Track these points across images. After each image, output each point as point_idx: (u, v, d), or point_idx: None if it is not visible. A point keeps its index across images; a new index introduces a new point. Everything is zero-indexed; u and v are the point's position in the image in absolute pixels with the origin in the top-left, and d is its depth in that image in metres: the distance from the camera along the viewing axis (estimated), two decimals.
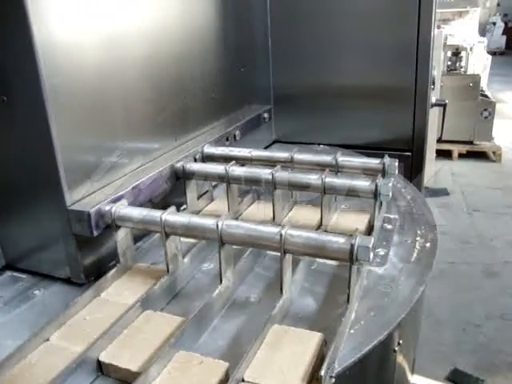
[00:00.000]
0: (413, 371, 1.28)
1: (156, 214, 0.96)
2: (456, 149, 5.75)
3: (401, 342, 0.96)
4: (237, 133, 1.56)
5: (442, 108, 2.22)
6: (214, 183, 1.41)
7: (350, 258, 0.80)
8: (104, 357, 0.80)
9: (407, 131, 1.84)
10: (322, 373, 0.69)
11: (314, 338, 0.79)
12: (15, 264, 1.15)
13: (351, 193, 1.10)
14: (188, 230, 0.94)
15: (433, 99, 1.89)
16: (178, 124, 1.38)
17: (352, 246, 0.80)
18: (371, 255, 0.80)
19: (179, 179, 1.26)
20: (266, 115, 1.81)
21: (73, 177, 1.00)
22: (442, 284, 3.52)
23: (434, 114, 2.35)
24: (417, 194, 1.41)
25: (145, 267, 1.06)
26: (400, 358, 1.01)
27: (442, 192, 5.02)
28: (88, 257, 1.06)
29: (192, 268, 1.06)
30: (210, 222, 0.91)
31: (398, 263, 1.07)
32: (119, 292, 0.98)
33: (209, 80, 1.51)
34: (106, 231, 1.03)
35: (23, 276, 1.13)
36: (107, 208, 1.00)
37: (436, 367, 2.92)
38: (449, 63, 5.71)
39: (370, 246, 0.79)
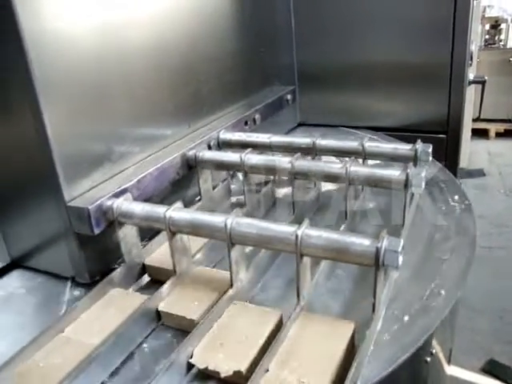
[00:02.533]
0: (449, 361, 1.17)
1: (160, 211, 0.87)
2: (493, 127, 5.50)
3: (433, 351, 0.86)
4: (256, 116, 1.45)
5: (479, 86, 2.07)
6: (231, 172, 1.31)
7: (376, 262, 0.70)
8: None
9: (442, 112, 1.69)
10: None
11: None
12: (21, 262, 1.09)
13: (379, 184, 0.98)
14: (194, 229, 0.84)
15: (470, 76, 1.74)
16: (192, 109, 1.28)
17: (378, 249, 0.69)
18: (400, 260, 0.69)
19: (192, 168, 1.17)
20: (289, 97, 1.70)
21: (72, 170, 0.92)
22: (478, 270, 3.36)
23: (470, 92, 2.19)
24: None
25: (154, 267, 0.97)
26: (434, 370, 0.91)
27: (478, 173, 4.81)
28: (92, 255, 0.98)
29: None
30: (218, 220, 0.82)
31: None
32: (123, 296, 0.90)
33: (225, 62, 1.40)
34: (111, 227, 0.95)
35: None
36: (109, 203, 0.92)
37: (471, 357, 2.80)
38: (487, 37, 5.43)
39: (399, 249, 0.69)
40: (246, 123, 1.40)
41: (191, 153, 1.15)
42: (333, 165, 1.02)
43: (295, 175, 1.04)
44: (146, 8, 1.08)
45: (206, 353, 0.72)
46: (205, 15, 1.30)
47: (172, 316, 0.82)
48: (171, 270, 0.89)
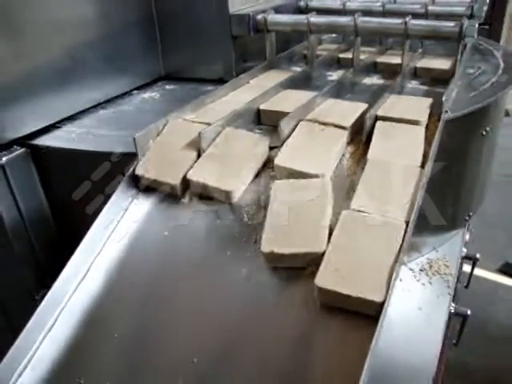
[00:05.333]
0: None
1: (302, 17, 1.26)
2: None
3: (487, 129, 1.23)
4: None
5: None
6: None
7: (459, 35, 1.08)
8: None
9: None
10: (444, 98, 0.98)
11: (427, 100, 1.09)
12: (173, 74, 1.48)
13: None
14: (329, 27, 1.23)
15: None
16: None
17: (462, 24, 1.08)
18: (475, 34, 1.08)
19: (301, 12, 1.55)
20: None
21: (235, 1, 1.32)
22: (497, 194, 3.77)
23: None
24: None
25: (286, 66, 1.38)
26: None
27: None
28: (240, 58, 1.38)
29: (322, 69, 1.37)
30: (347, 19, 1.20)
31: None
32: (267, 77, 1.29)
33: None
34: (255, 38, 1.34)
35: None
36: (260, 16, 1.30)
37: (488, 261, 3.23)
38: None
39: (476, 25, 1.07)
40: None
41: (302, 2, 1.53)
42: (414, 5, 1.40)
43: (384, 14, 1.42)
44: None
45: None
46: None
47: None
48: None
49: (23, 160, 1.07)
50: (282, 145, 0.92)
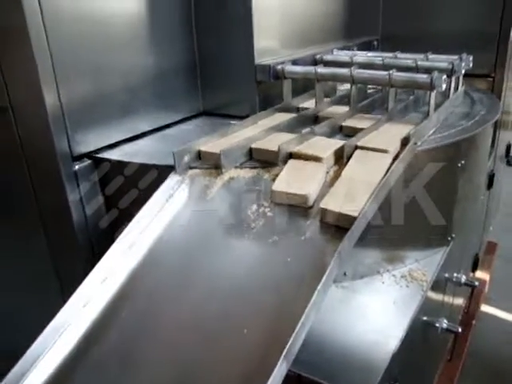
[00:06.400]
0: None
1: (311, 68, 1.58)
2: None
3: (463, 162, 1.50)
4: (355, 48, 2.15)
5: None
6: None
7: (430, 86, 1.38)
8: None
9: (490, 57, 2.30)
10: (412, 131, 1.27)
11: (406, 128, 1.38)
12: (209, 111, 1.83)
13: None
14: (332, 77, 1.56)
15: None
16: (316, 39, 2.01)
17: (432, 78, 1.37)
18: (444, 84, 1.37)
19: (316, 64, 1.87)
20: (375, 43, 2.39)
21: (260, 54, 1.66)
22: None
23: None
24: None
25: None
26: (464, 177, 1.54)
27: None
28: (262, 99, 1.71)
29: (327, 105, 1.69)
30: (345, 70, 1.52)
31: None
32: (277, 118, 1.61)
33: (334, 16, 2.13)
34: (275, 83, 1.67)
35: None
36: (279, 66, 1.64)
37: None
38: None
39: (444, 77, 1.37)
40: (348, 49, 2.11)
41: (318, 56, 1.87)
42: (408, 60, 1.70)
43: (384, 67, 1.73)
44: None
45: None
46: None
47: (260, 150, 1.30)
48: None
49: (89, 169, 1.42)
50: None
